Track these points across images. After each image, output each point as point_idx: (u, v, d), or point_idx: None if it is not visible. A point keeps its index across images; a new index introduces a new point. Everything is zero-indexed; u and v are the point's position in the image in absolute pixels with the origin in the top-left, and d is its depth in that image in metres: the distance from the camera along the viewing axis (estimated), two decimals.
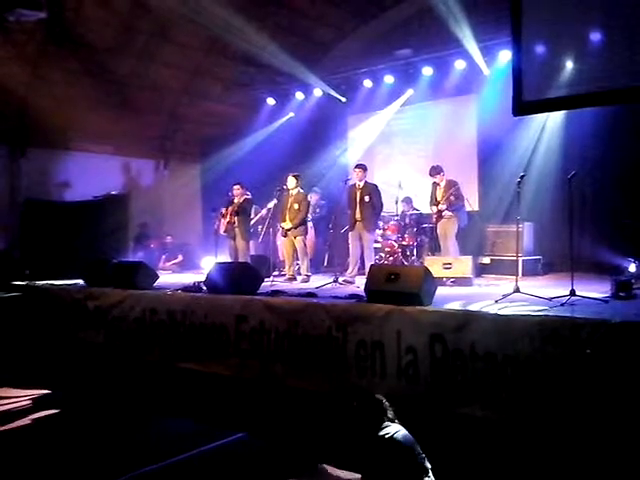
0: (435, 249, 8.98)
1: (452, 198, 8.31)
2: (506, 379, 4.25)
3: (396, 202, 9.40)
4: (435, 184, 8.60)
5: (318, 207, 10.45)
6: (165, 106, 12.97)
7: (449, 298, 5.66)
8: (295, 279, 8.60)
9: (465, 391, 4.45)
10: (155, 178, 14.03)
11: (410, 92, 10.95)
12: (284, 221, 8.77)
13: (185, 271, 11.30)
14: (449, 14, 9.07)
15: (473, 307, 5.04)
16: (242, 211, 9.20)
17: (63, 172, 11.99)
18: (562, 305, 4.98)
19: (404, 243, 9.23)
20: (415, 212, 9.64)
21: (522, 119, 8.81)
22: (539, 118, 9.14)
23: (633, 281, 5.74)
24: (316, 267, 9.87)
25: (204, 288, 6.93)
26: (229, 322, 6.12)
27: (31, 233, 10.80)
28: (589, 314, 4.36)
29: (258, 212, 10.23)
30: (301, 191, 8.88)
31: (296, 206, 8.70)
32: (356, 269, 8.32)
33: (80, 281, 8.30)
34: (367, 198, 8.30)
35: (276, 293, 6.47)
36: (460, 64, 9.89)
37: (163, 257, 12.12)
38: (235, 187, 9.33)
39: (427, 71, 10.35)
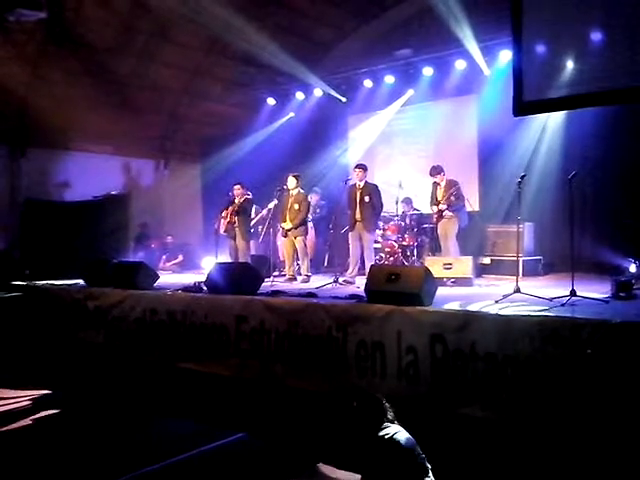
0: (435, 249, 8.97)
1: (452, 198, 8.30)
2: (506, 379, 4.25)
3: (396, 202, 9.40)
4: (435, 184, 8.60)
5: (318, 207, 10.45)
6: (165, 106, 12.97)
7: (449, 298, 5.65)
8: (295, 279, 8.60)
9: (465, 391, 4.45)
10: (155, 178, 14.04)
11: (410, 92, 10.94)
12: (284, 221, 8.77)
13: (185, 271, 11.30)
14: (449, 14, 9.06)
15: (473, 307, 5.04)
16: (242, 211, 9.20)
17: (63, 172, 11.99)
18: (562, 305, 4.97)
19: (404, 243, 9.22)
20: (415, 212, 9.64)
21: (522, 119, 8.80)
22: (540, 118, 9.13)
23: (633, 281, 5.74)
24: (316, 267, 9.86)
25: (204, 288, 6.93)
26: (229, 322, 6.12)
27: (31, 233, 10.81)
28: (589, 314, 4.36)
29: (259, 212, 10.23)
30: (301, 191, 8.88)
31: (296, 206, 8.69)
32: (356, 269, 8.32)
33: (80, 281, 8.30)
34: (367, 198, 8.30)
35: (276, 293, 6.47)
36: (460, 64, 9.88)
37: (163, 257, 12.12)
38: (236, 187, 9.33)
39: (427, 71, 10.35)
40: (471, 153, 10.35)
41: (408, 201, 9.68)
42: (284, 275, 8.86)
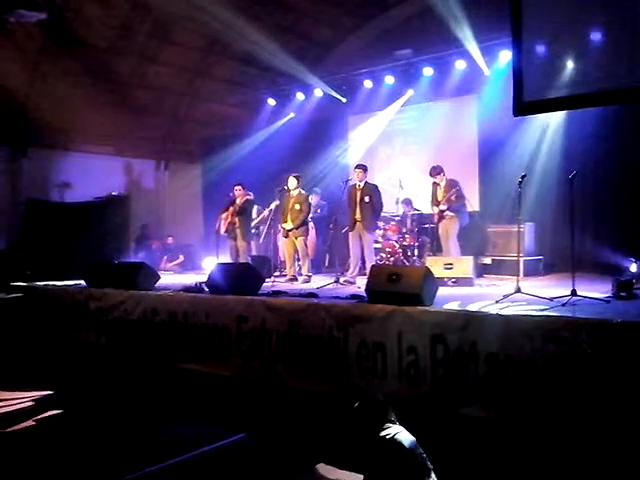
0: (436, 249, 8.97)
1: (453, 198, 8.30)
2: (507, 379, 4.25)
3: (396, 202, 9.40)
4: (435, 184, 8.59)
5: (319, 207, 10.45)
6: (166, 107, 12.99)
7: (450, 298, 5.65)
8: (296, 279, 8.60)
9: (466, 391, 4.45)
10: (156, 179, 14.06)
11: (411, 92, 10.94)
12: (285, 222, 8.77)
13: (186, 272, 11.30)
14: (449, 14, 9.06)
15: (474, 307, 5.03)
16: (243, 211, 9.21)
17: (64, 173, 12.01)
18: (563, 305, 4.97)
19: (405, 243, 9.22)
20: (416, 212, 9.64)
21: (523, 119, 8.79)
22: (540, 118, 9.11)
23: (634, 281, 5.75)
24: (317, 267, 9.86)
25: (205, 289, 6.93)
26: (230, 323, 6.13)
27: (32, 234, 10.82)
28: (590, 314, 4.36)
29: (261, 212, 10.24)
30: (302, 192, 8.88)
31: (297, 207, 8.70)
32: (357, 269, 8.32)
33: (81, 282, 8.30)
34: (367, 198, 8.30)
35: (277, 293, 6.48)
36: (461, 64, 9.88)
37: (164, 258, 12.13)
38: (236, 188, 9.34)
39: (428, 71, 10.34)
40: (471, 153, 10.35)
41: (408, 202, 9.67)
42: (285, 275, 8.86)
